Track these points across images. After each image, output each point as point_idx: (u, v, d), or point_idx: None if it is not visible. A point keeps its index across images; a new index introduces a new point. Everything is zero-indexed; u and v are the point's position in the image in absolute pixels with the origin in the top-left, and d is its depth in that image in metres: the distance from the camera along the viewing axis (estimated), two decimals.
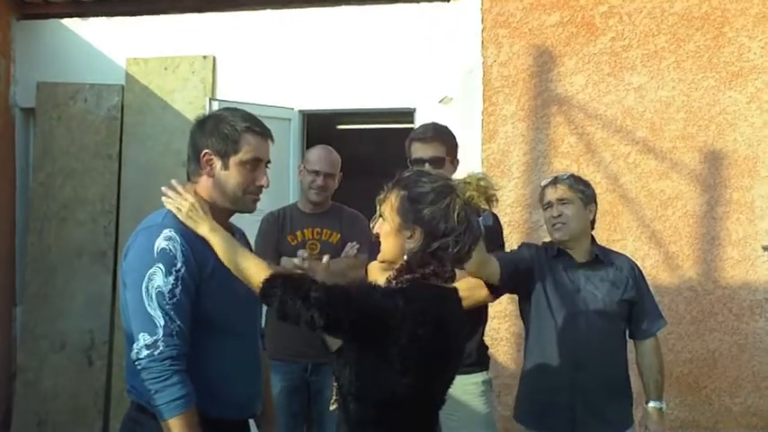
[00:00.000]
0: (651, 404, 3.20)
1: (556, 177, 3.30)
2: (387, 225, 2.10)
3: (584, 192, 3.23)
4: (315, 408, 3.95)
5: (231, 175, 2.32)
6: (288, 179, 5.65)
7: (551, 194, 3.23)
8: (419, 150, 3.23)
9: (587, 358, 3.10)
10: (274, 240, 3.92)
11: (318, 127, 6.39)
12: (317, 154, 3.99)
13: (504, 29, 4.98)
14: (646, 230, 4.92)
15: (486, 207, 2.07)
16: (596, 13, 4.95)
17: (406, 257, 2.05)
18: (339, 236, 3.94)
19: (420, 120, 5.64)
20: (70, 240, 5.89)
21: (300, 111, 5.88)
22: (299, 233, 3.93)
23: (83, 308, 5.82)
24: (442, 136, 3.30)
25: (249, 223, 3.34)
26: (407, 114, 5.94)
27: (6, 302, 6.01)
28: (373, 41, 5.75)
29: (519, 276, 3.11)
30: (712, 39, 4.87)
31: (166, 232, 2.19)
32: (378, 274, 2.94)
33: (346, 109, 6.06)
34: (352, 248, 3.85)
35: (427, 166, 3.14)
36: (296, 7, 5.85)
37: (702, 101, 4.87)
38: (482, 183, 2.04)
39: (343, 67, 5.77)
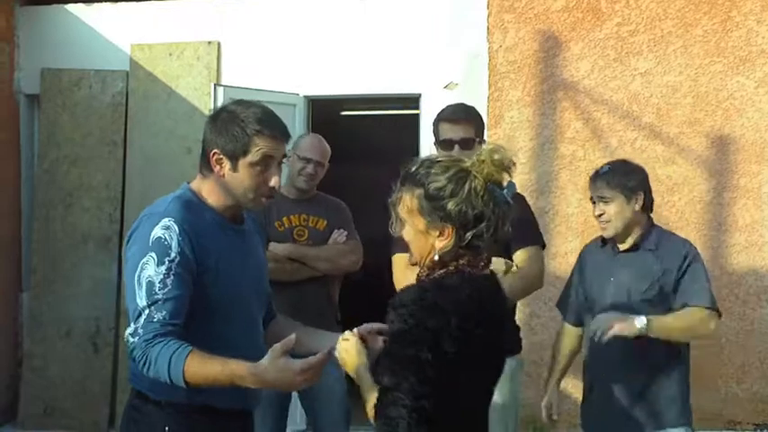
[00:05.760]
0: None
1: (596, 172, 3.13)
2: (410, 229, 1.98)
3: (625, 185, 3.04)
4: (304, 398, 3.89)
5: (240, 178, 2.23)
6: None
7: (592, 190, 3.12)
8: (448, 131, 3.20)
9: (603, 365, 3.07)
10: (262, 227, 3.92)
11: (323, 113, 6.37)
12: (310, 142, 4.03)
13: (509, 14, 4.95)
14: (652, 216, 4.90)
15: (508, 177, 1.97)
16: None
17: (438, 256, 1.94)
18: (326, 222, 3.97)
19: (425, 105, 5.62)
20: (75, 227, 5.88)
21: (305, 96, 5.85)
22: (285, 219, 3.94)
23: (88, 294, 5.83)
24: (472, 117, 3.29)
25: None
26: (413, 100, 5.90)
27: (12, 289, 6.02)
28: (379, 27, 5.72)
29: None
30: (720, 23, 4.83)
31: (165, 221, 2.16)
32: (405, 268, 2.94)
33: (351, 95, 6.03)
34: (340, 236, 3.94)
35: (456, 148, 3.15)
36: None
37: (710, 86, 4.84)
38: (496, 156, 1.93)
39: (349, 53, 5.74)
